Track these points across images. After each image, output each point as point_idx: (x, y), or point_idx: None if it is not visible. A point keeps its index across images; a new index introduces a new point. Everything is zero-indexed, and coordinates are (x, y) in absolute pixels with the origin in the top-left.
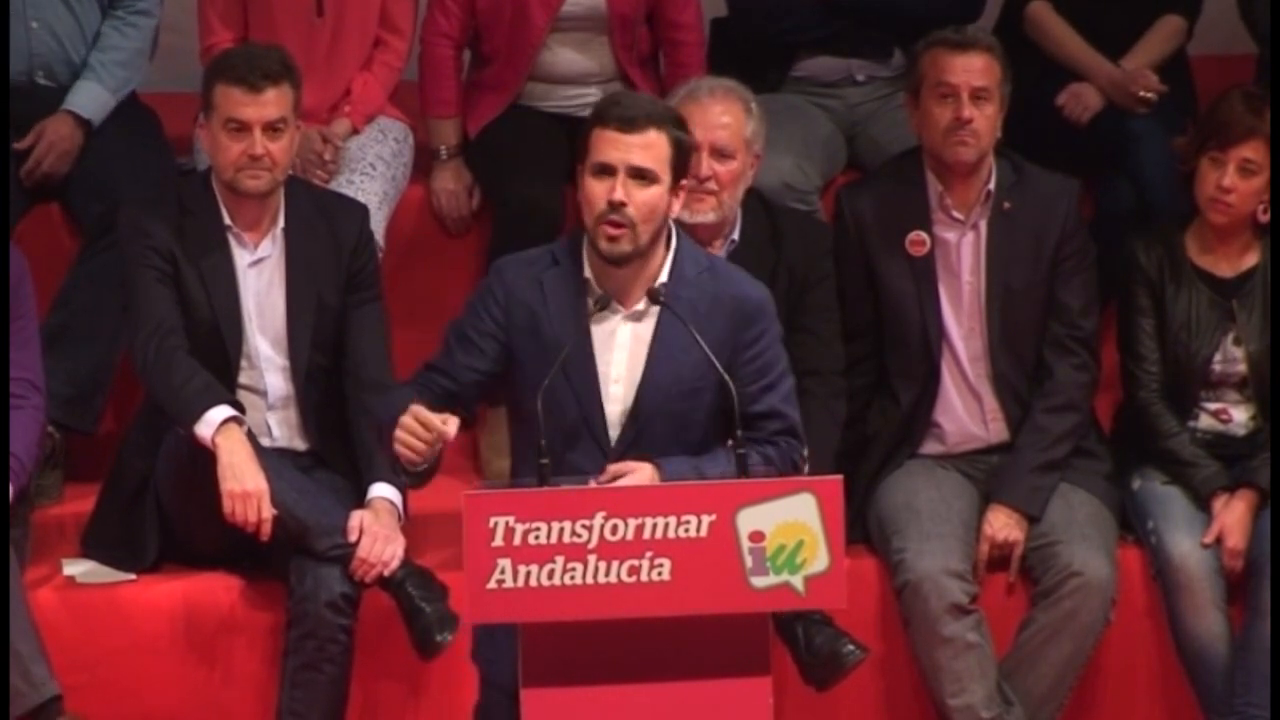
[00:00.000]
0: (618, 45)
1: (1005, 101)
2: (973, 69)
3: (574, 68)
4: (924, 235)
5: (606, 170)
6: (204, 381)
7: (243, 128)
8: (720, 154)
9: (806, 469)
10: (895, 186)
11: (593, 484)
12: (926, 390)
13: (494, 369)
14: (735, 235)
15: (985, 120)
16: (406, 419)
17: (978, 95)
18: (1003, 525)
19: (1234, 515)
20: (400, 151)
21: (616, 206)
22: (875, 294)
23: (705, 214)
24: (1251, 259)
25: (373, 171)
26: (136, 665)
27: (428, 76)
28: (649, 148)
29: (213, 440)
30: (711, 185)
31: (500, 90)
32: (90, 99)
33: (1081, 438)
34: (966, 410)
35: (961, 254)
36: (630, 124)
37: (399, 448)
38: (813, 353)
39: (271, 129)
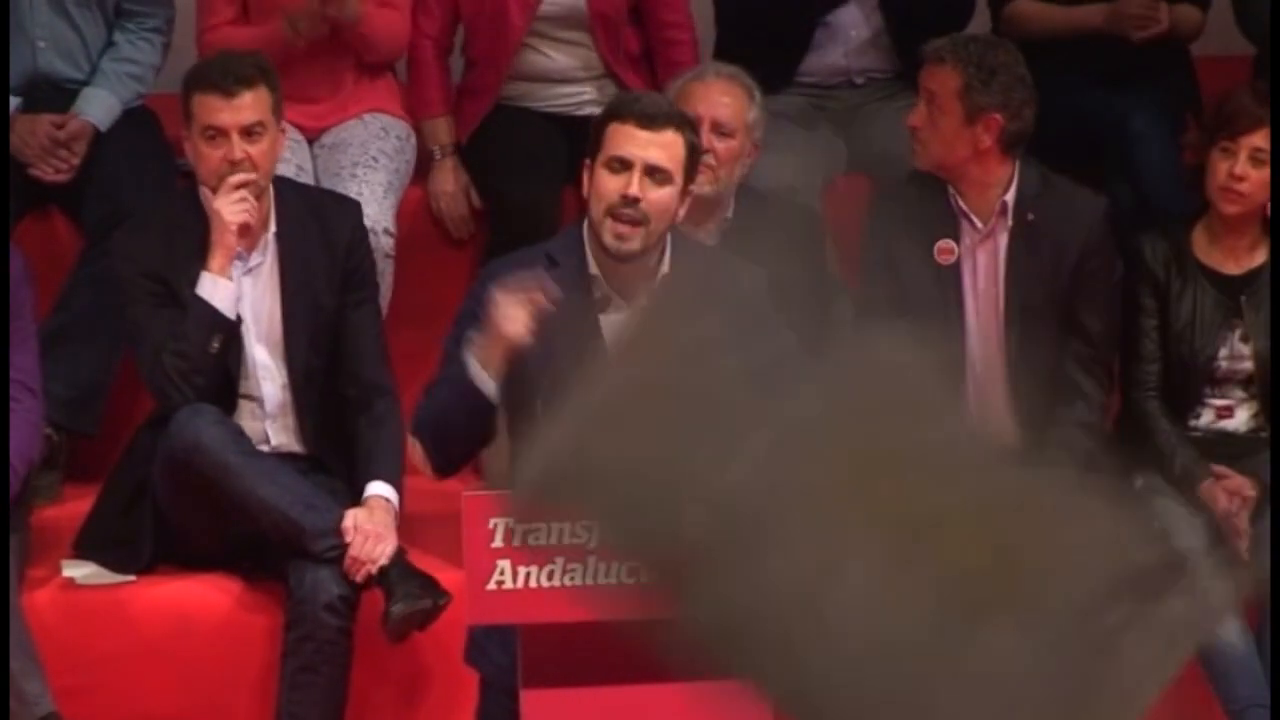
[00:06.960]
0: (602, 45)
1: (975, 111)
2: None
3: (558, 67)
4: (952, 244)
5: (623, 165)
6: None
7: (220, 134)
8: (721, 130)
9: None
10: (920, 194)
11: None
12: None
13: None
14: (729, 214)
15: (934, 132)
16: None
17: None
18: None
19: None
20: (402, 149)
21: (631, 201)
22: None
23: (702, 186)
24: (1259, 256)
25: (375, 164)
26: (134, 667)
27: (413, 78)
28: (667, 147)
29: (210, 269)
30: (710, 160)
31: (482, 93)
32: (104, 110)
33: None
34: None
35: (978, 262)
36: (651, 121)
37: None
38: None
39: (248, 133)
